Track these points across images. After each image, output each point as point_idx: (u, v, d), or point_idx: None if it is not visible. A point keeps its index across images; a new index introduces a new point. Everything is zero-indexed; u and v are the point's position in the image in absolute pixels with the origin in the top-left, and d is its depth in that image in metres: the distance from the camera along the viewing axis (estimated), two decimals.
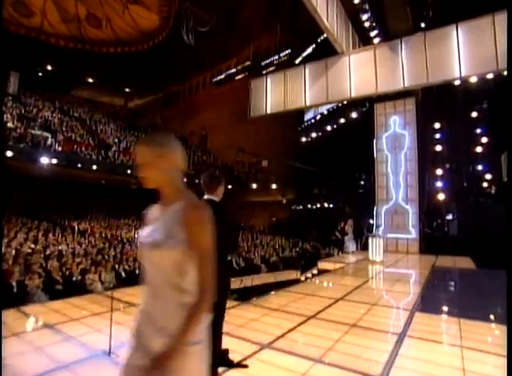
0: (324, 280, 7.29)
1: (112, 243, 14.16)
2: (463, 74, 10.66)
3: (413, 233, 12.75)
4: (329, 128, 18.44)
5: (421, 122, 13.44)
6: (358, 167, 16.47)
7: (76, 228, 18.42)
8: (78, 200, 22.49)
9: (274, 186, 22.10)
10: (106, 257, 10.89)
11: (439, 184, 13.65)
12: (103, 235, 16.72)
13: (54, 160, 15.23)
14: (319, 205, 18.96)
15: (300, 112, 22.34)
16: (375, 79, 12.27)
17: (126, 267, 10.11)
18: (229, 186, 22.34)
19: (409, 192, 13.00)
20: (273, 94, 15.25)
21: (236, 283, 8.85)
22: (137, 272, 9.87)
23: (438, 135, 13.84)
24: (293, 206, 21.18)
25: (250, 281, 10.32)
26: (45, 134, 18.85)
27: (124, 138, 22.62)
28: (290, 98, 14.62)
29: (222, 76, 26.18)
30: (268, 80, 15.49)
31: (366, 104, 15.71)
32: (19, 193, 19.18)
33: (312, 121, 20.35)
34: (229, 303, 5.13)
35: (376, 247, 10.37)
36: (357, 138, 15.82)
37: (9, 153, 14.05)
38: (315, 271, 10.83)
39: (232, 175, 24.11)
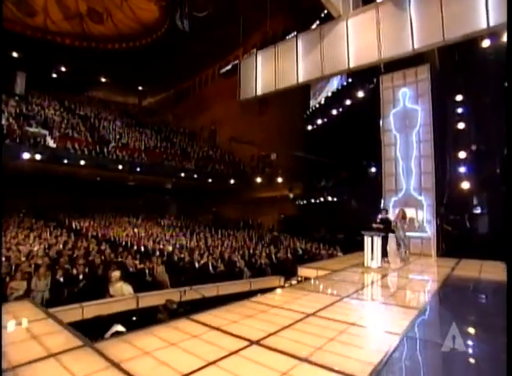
0: (274, 297, 4.99)
1: (90, 243, 12.61)
2: (491, 24, 7.71)
3: (429, 231, 9.92)
4: (334, 112, 15.78)
5: (438, 94, 10.54)
6: (367, 153, 13.70)
7: (74, 227, 17.34)
8: (88, 199, 21.62)
9: (280, 180, 19.72)
10: (64, 259, 9.22)
11: (463, 170, 10.61)
12: (94, 234, 15.31)
13: (38, 156, 13.99)
14: (322, 199, 16.31)
15: (306, 98, 19.84)
16: (378, 44, 9.63)
17: (75, 271, 8.34)
18: (232, 181, 20.35)
19: (423, 180, 10.16)
20: (264, 73, 12.96)
21: (174, 295, 6.75)
22: (80, 277, 8.10)
23: (460, 110, 10.78)
24: (298, 201, 18.64)
25: (214, 290, 8.19)
26: (43, 131, 17.92)
27: (128, 134, 21.32)
28: (281, 76, 12.26)
29: (229, 66, 24.17)
30: (259, 57, 13.20)
31: (374, 80, 12.95)
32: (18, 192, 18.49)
33: (317, 105, 17.74)
34: (59, 346, 3.05)
35: (371, 249, 7.82)
36: (364, 120, 13.12)
37: None
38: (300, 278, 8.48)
39: (238, 169, 22.08)
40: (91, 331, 5.13)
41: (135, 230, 16.68)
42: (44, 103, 21.52)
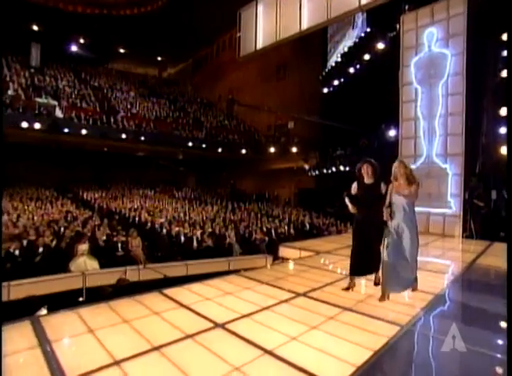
0: (212, 287, 3.57)
1: (83, 214, 11.95)
2: None
3: (454, 207, 7.87)
4: (352, 70, 13.38)
5: (477, 34, 8.06)
6: (387, 116, 11.45)
7: (86, 198, 16.97)
8: (107, 171, 21.40)
9: (295, 150, 17.82)
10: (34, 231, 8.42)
11: (504, 131, 8.20)
12: (101, 205, 14.71)
13: (37, 125, 13.36)
14: (337, 170, 14.28)
15: (324, 60, 17.38)
16: None
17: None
18: (243, 151, 18.81)
19: (449, 144, 7.99)
20: (265, 23, 11.03)
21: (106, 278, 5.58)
22: (40, 250, 7.20)
23: (505, 53, 8.18)
24: (313, 172, 16.74)
25: (182, 270, 6.97)
26: (52, 102, 17.34)
27: (140, 104, 20.30)
28: (283, 24, 10.27)
29: None
30: (260, 6, 11.21)
31: (396, 27, 10.48)
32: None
33: (333, 64, 15.31)
34: None
35: None
36: (385, 77, 10.83)
37: None
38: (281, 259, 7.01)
39: (251, 139, 20.43)
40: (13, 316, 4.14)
41: (142, 202, 15.94)
42: (58, 75, 20.94)
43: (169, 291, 3.43)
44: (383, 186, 3.62)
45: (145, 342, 2.31)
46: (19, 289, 5.25)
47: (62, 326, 2.56)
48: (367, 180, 3.69)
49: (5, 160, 15.69)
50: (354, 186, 3.77)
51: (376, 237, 3.56)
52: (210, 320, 2.72)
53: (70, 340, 2.33)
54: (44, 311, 4.56)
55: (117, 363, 2.04)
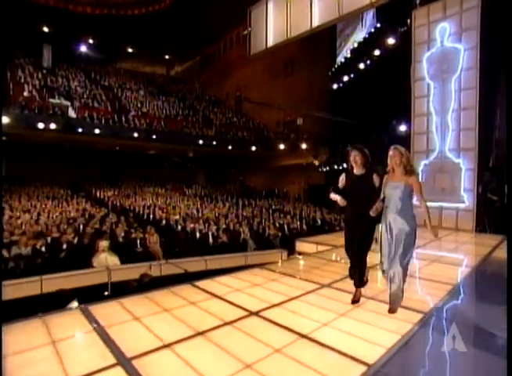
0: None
1: (99, 212, 12.26)
2: None
3: (467, 201, 7.96)
4: (362, 65, 13.40)
5: (490, 27, 8.06)
6: (399, 111, 11.50)
7: (99, 196, 17.31)
8: (120, 170, 21.79)
9: (305, 146, 17.92)
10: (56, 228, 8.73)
11: None
12: (114, 203, 15.02)
13: (52, 125, 13.70)
14: (344, 165, 14.37)
15: (334, 54, 17.37)
16: None
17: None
18: (253, 148, 18.96)
19: (462, 139, 8.06)
20: (275, 21, 11.14)
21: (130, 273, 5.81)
22: (64, 247, 7.47)
23: None
24: (323, 168, 16.86)
25: (202, 264, 7.19)
26: (65, 102, 17.67)
27: (149, 103, 20.56)
28: (294, 22, 10.37)
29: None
30: (270, 3, 11.31)
31: (407, 22, 10.49)
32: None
33: (343, 60, 15.34)
34: None
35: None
36: (396, 72, 10.86)
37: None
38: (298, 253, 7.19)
39: (260, 135, 20.57)
40: (48, 307, 4.41)
41: (154, 200, 16.23)
42: (69, 75, 21.30)
43: (200, 283, 3.64)
44: (375, 178, 3.01)
45: (188, 328, 2.51)
46: (51, 283, 5.52)
47: (110, 314, 2.78)
48: (357, 171, 3.09)
49: (20, 160, 16.21)
50: (341, 178, 3.18)
51: (363, 237, 3.08)
52: (245, 309, 2.92)
53: (121, 326, 2.54)
54: (75, 303, 4.81)
55: (167, 346, 2.25)
